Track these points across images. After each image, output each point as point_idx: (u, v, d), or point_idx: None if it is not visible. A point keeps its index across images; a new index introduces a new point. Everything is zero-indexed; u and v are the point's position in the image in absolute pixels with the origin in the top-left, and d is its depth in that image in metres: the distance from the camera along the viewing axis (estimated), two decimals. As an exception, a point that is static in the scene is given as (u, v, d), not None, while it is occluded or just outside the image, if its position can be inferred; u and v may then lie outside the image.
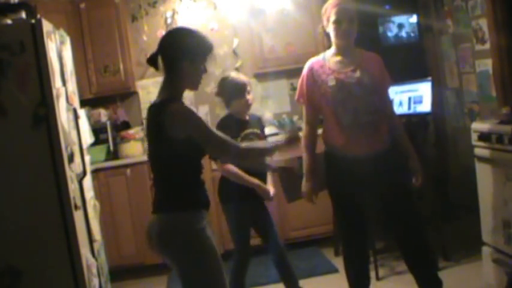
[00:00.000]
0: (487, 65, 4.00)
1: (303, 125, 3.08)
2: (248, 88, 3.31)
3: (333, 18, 2.87)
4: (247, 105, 3.33)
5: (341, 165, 2.91)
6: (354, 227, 3.00)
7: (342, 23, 2.84)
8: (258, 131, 3.38)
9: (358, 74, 2.86)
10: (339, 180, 2.95)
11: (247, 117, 3.38)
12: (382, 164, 2.83)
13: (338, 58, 2.91)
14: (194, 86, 2.40)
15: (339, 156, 2.90)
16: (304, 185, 3.04)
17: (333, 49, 2.96)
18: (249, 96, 3.31)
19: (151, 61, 2.37)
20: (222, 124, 3.32)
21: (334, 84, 2.85)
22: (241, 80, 3.31)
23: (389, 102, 3.13)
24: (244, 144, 3.00)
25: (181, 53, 2.30)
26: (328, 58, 2.95)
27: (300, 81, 3.02)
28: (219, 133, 2.33)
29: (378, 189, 2.91)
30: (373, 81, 2.87)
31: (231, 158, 2.43)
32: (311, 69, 2.96)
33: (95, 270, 3.26)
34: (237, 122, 3.32)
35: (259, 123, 3.48)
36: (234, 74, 3.39)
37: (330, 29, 2.90)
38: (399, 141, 2.96)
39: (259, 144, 2.67)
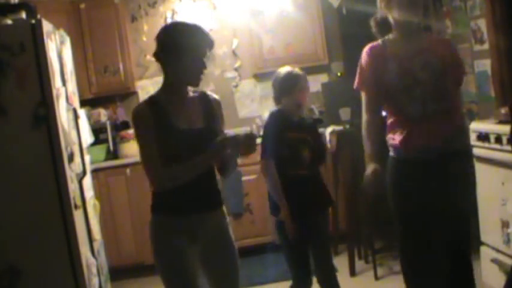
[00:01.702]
0: (485, 65, 4.00)
1: (363, 114, 2.69)
2: (302, 84, 2.89)
3: None
4: (297, 105, 2.89)
5: (408, 167, 2.56)
6: (425, 244, 2.58)
7: None
8: (308, 137, 2.91)
9: (424, 56, 2.51)
10: (406, 185, 2.58)
11: (299, 118, 2.93)
12: (450, 164, 2.50)
13: (400, 43, 2.57)
14: (191, 81, 2.29)
15: (405, 157, 2.57)
16: (366, 176, 2.60)
17: (394, 33, 2.61)
18: (300, 94, 2.87)
19: (156, 57, 2.32)
20: (270, 122, 2.94)
21: (397, 71, 2.52)
22: (294, 74, 2.90)
23: (459, 95, 2.66)
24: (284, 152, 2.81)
25: (170, 48, 2.24)
26: (389, 44, 2.61)
27: (359, 69, 2.67)
28: (150, 150, 2.22)
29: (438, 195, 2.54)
30: (443, 64, 2.52)
31: (155, 182, 2.25)
32: (371, 55, 2.62)
33: (94, 270, 3.26)
34: (286, 121, 2.90)
35: (313, 124, 3.01)
36: (288, 68, 2.96)
37: (393, 6, 2.52)
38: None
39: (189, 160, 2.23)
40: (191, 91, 2.37)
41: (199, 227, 2.31)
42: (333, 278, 2.98)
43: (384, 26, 2.64)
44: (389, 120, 2.65)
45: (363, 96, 2.70)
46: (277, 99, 2.96)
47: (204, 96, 2.39)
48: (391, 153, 2.66)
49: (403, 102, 2.54)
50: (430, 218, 2.56)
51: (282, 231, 2.87)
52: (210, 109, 2.37)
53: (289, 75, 2.90)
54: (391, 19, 2.59)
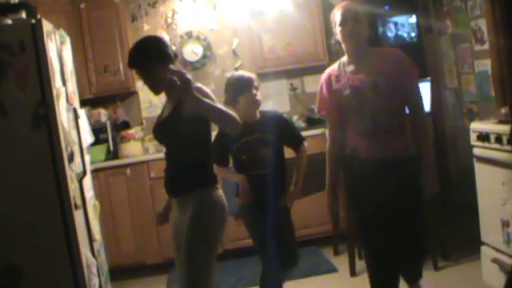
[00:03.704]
0: (486, 65, 4.01)
1: (328, 138, 2.92)
2: (255, 84, 3.07)
3: (338, 20, 2.73)
4: (254, 101, 3.06)
5: (362, 167, 2.75)
6: (374, 230, 2.79)
7: (347, 23, 2.70)
8: (268, 135, 3.06)
9: (372, 78, 2.70)
10: (359, 182, 2.80)
11: (256, 118, 3.10)
12: (397, 170, 2.70)
13: (351, 66, 2.77)
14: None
15: (360, 158, 2.76)
16: (327, 201, 2.93)
17: (346, 56, 2.82)
18: (256, 92, 3.05)
19: None
20: (221, 129, 3.07)
21: (349, 92, 2.73)
22: (247, 75, 3.11)
23: (416, 101, 2.82)
24: (243, 156, 3.06)
25: None
26: (343, 66, 2.81)
27: (319, 93, 2.89)
28: None
29: (390, 197, 2.71)
30: (390, 83, 2.69)
31: None
32: (328, 79, 2.84)
33: (94, 270, 3.26)
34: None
35: (277, 123, 3.14)
36: (239, 71, 3.20)
37: (339, 36, 2.76)
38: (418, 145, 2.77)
39: None
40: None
41: (176, 205, 2.72)
42: (296, 260, 3.14)
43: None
44: (349, 133, 2.82)
45: (326, 120, 2.94)
46: (233, 100, 3.05)
47: None
48: (347, 151, 2.83)
49: (356, 120, 2.74)
50: (380, 210, 2.73)
51: (247, 216, 3.14)
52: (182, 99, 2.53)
53: (244, 76, 3.11)
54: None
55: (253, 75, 3.12)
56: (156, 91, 2.65)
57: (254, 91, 3.04)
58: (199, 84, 2.64)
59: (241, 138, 3.01)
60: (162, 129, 2.67)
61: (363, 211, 2.82)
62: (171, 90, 2.46)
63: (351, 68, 2.78)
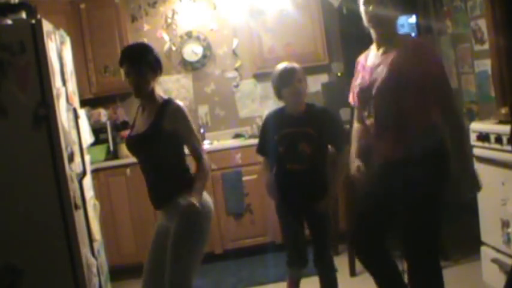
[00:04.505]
0: (486, 65, 4.01)
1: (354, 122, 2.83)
2: (298, 75, 2.95)
3: (362, 0, 2.54)
4: (297, 94, 2.95)
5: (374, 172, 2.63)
6: (369, 215, 2.69)
7: (369, 4, 2.51)
8: (310, 130, 2.93)
9: (382, 71, 2.49)
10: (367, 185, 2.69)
11: (301, 111, 2.99)
12: (399, 176, 2.52)
13: (374, 52, 2.59)
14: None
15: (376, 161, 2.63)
16: (352, 165, 2.78)
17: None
18: (299, 84, 2.94)
19: None
20: (266, 118, 3.14)
21: (359, 83, 2.59)
22: (289, 66, 2.98)
23: (438, 98, 2.52)
24: (280, 148, 2.98)
25: None
26: (368, 54, 2.66)
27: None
28: None
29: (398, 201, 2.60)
30: (401, 79, 2.45)
31: None
32: (356, 65, 2.72)
33: (94, 270, 3.27)
34: (283, 117, 3.02)
35: (322, 118, 2.99)
36: (284, 63, 3.04)
37: (364, 19, 2.57)
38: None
39: None
40: (160, 99, 2.73)
41: (161, 215, 2.84)
42: (326, 266, 3.08)
43: None
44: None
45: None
46: (278, 93, 3.02)
47: (164, 104, 2.71)
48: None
49: (363, 113, 2.62)
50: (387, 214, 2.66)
51: (278, 212, 3.12)
52: (161, 116, 2.67)
53: (286, 68, 3.00)
54: None
55: (296, 66, 3.00)
56: (140, 94, 2.71)
57: (296, 83, 2.94)
58: (180, 103, 2.74)
59: (283, 129, 2.99)
60: (140, 143, 2.75)
61: (368, 206, 2.71)
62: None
63: (373, 52, 2.60)
